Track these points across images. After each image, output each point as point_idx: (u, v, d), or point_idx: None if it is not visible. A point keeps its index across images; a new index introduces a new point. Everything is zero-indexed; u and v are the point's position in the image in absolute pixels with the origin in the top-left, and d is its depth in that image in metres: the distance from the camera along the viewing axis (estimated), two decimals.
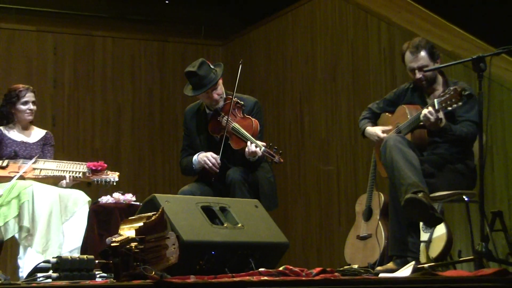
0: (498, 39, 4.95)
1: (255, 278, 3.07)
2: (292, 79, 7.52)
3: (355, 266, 4.16)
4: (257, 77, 8.01)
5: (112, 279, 3.11)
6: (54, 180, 4.92)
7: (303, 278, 3.19)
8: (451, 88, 3.98)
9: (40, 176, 4.91)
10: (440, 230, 4.54)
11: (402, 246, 4.09)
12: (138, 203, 5.18)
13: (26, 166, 4.90)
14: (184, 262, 3.42)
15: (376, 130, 4.51)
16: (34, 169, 4.93)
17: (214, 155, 4.63)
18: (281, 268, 3.37)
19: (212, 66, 4.70)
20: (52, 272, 3.21)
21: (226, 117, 4.64)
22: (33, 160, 4.94)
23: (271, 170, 4.77)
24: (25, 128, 5.15)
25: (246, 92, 5.31)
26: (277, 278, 3.13)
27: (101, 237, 4.98)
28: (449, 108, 3.97)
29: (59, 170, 4.92)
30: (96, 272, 3.38)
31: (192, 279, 3.02)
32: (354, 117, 6.59)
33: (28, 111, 5.09)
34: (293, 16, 7.55)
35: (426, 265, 4.00)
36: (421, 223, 4.23)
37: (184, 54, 8.36)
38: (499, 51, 3.98)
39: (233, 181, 4.49)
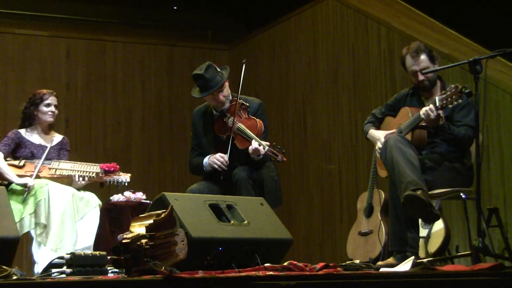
0: (493, 42, 4.99)
1: (261, 273, 3.06)
2: (295, 81, 7.54)
3: (357, 261, 4.18)
4: (261, 79, 8.02)
5: (123, 275, 3.14)
6: (69, 180, 4.97)
7: (307, 273, 3.21)
8: (452, 86, 4.02)
9: (56, 176, 4.97)
10: (438, 226, 4.61)
11: (401, 242, 4.08)
12: (148, 201, 5.24)
13: (39, 163, 4.95)
14: (193, 258, 3.42)
15: (377, 139, 4.49)
16: (50, 168, 4.99)
17: (222, 155, 4.67)
18: (285, 263, 3.40)
19: (218, 69, 4.74)
20: (66, 268, 3.28)
21: (232, 118, 4.67)
22: (43, 157, 4.97)
23: (276, 169, 4.80)
24: (45, 132, 5.21)
25: (251, 94, 5.23)
26: (282, 273, 3.13)
27: (113, 234, 5.04)
28: (450, 106, 4.01)
29: (73, 170, 4.97)
30: (108, 268, 3.40)
31: (200, 274, 3.04)
32: (355, 117, 6.63)
33: (50, 112, 5.16)
34: (296, 21, 7.57)
35: (425, 260, 4.07)
36: (420, 220, 4.23)
37: (192, 58, 8.37)
38: (494, 53, 4.04)
39: (239, 179, 4.52)
